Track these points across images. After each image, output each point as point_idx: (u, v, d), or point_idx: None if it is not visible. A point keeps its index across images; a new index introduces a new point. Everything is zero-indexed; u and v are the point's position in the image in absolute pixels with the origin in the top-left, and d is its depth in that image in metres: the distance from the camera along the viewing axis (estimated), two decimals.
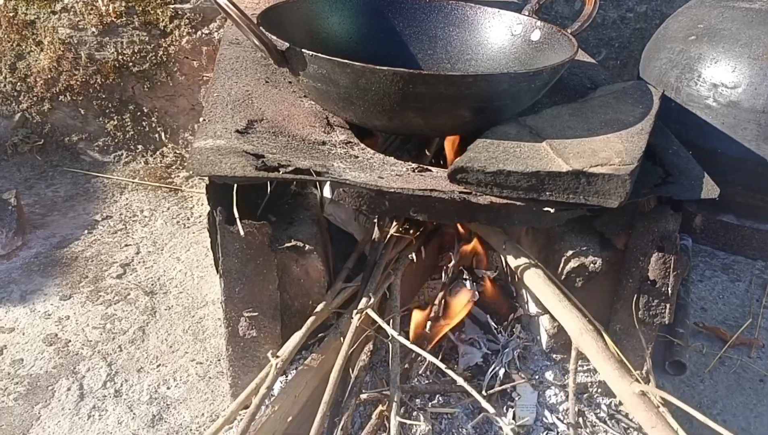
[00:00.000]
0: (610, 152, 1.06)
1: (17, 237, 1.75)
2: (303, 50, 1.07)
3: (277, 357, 1.05)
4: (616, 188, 1.01)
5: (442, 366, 1.03)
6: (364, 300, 1.11)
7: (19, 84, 2.04)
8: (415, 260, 1.23)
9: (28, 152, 2.07)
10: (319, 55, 1.06)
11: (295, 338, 1.08)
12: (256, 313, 1.12)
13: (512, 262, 1.20)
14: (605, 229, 1.14)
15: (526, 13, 1.41)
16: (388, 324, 1.08)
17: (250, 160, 1.05)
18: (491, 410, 1.02)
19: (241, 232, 1.02)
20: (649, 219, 1.11)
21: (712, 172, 1.15)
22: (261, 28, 1.11)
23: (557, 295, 1.10)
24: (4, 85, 2.04)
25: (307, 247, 1.13)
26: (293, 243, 1.12)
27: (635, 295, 1.15)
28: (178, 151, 2.13)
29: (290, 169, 1.05)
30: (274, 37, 1.11)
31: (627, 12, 2.35)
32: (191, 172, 1.02)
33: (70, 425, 1.29)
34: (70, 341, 1.48)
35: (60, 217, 1.89)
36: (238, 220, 1.01)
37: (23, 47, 2.04)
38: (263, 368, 1.14)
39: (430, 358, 1.04)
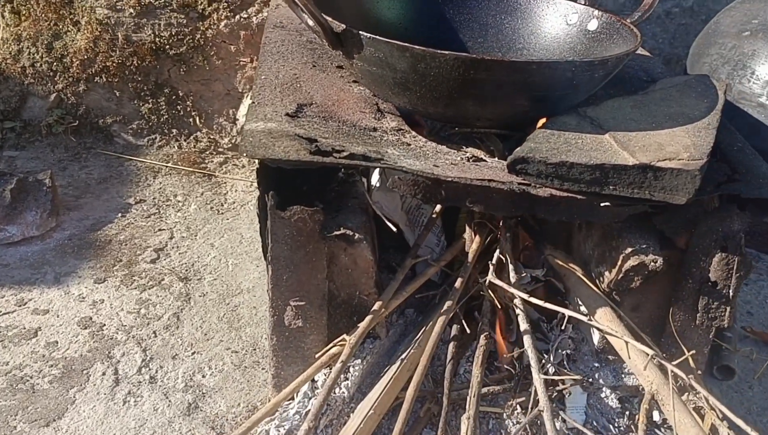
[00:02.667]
0: (678, 146, 1.01)
1: (51, 218, 1.73)
2: (360, 32, 1.04)
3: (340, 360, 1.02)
4: (684, 184, 0.97)
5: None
6: (448, 303, 1.08)
7: (55, 64, 2.02)
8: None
9: (63, 133, 2.04)
10: (377, 37, 1.02)
11: (350, 345, 1.04)
12: (303, 303, 1.08)
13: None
14: (666, 227, 1.10)
15: (582, 2, 1.36)
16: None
17: (304, 144, 1.02)
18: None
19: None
20: (713, 218, 1.07)
21: None
22: (316, 8, 1.08)
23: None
24: (41, 65, 2.02)
25: (357, 235, 1.09)
26: (342, 231, 1.09)
27: (695, 297, 1.11)
28: (212, 136, 2.11)
29: (344, 154, 1.02)
30: (330, 19, 1.07)
31: (673, 7, 2.29)
32: (244, 154, 0.99)
33: (105, 410, 1.26)
34: (104, 325, 1.46)
35: (93, 199, 1.87)
36: None
37: (60, 27, 2.02)
38: (308, 360, 1.12)
39: None
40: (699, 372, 1.13)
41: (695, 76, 1.31)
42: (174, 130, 2.09)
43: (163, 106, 2.06)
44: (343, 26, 1.07)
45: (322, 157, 1.00)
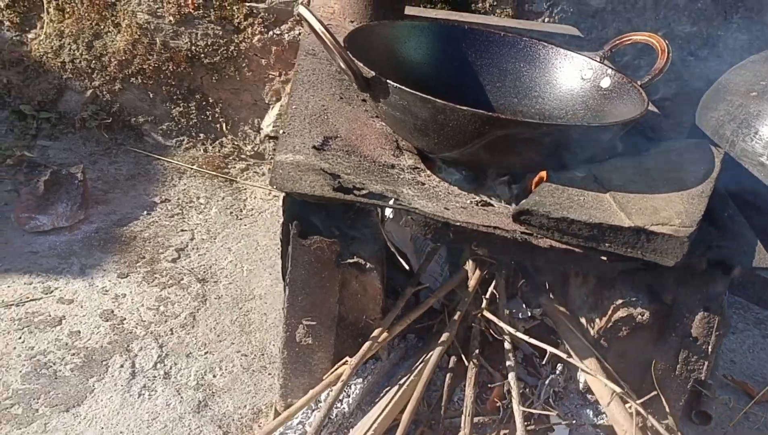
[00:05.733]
0: (671, 212, 1.10)
1: (81, 210, 1.83)
2: (388, 81, 1.13)
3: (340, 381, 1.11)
4: (674, 248, 1.06)
5: None
6: (446, 335, 1.17)
7: (93, 62, 2.12)
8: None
9: (96, 128, 2.15)
10: (403, 88, 1.11)
11: (351, 366, 1.14)
12: (314, 323, 1.18)
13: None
14: (655, 283, 1.18)
15: (598, 59, 1.45)
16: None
17: (328, 180, 1.11)
18: None
19: None
20: (699, 279, 1.15)
21: (758, 227, 1.19)
22: (349, 53, 1.17)
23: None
24: (80, 62, 2.12)
25: (368, 265, 1.18)
26: (355, 260, 1.18)
27: (676, 349, 1.19)
28: (236, 143, 2.21)
29: (364, 192, 1.11)
30: (361, 64, 1.16)
31: (688, 55, 2.37)
32: (274, 187, 1.08)
33: (121, 401, 1.36)
34: (125, 319, 1.56)
35: (121, 194, 1.97)
36: None
37: (101, 27, 2.12)
38: (314, 374, 1.21)
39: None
40: (671, 417, 1.22)
41: (696, 141, 1.39)
42: (201, 134, 2.19)
43: (193, 111, 2.16)
44: (373, 73, 1.16)
45: (344, 195, 1.09)
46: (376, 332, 1.19)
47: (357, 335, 1.23)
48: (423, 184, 1.22)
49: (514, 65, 1.50)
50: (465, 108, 1.07)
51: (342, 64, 1.17)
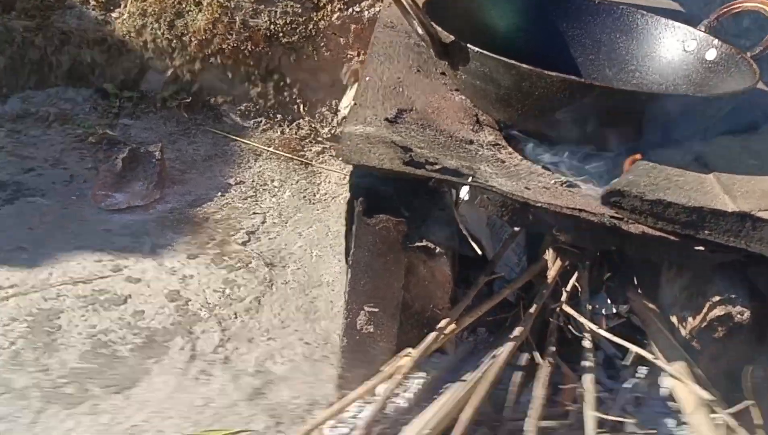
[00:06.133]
0: None
1: (156, 190, 1.82)
2: (468, 45, 1.03)
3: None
4: None
5: None
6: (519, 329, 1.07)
7: (175, 41, 2.12)
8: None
9: (176, 108, 2.14)
10: (485, 52, 1.01)
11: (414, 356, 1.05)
12: (377, 309, 1.09)
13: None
14: (759, 280, 1.03)
15: (702, 29, 1.29)
16: None
17: (398, 153, 1.03)
18: None
19: None
20: None
21: None
22: (427, 17, 1.07)
23: None
24: (161, 41, 2.12)
25: (438, 249, 1.08)
26: (425, 243, 1.08)
27: None
28: (313, 125, 2.15)
29: (437, 167, 1.01)
30: (440, 29, 1.07)
31: None
32: (341, 159, 1.01)
33: (176, 384, 1.30)
34: (190, 300, 1.51)
35: (197, 175, 1.95)
36: None
37: (183, 6, 2.11)
38: (374, 364, 1.13)
39: None
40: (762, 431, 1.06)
41: None
42: (278, 116, 2.15)
43: (271, 92, 2.13)
44: (452, 38, 1.06)
45: (415, 169, 1.00)
46: (442, 323, 1.09)
47: (422, 326, 1.14)
48: (503, 161, 1.11)
49: (609, 36, 1.37)
50: (553, 73, 0.96)
51: (419, 29, 1.08)
